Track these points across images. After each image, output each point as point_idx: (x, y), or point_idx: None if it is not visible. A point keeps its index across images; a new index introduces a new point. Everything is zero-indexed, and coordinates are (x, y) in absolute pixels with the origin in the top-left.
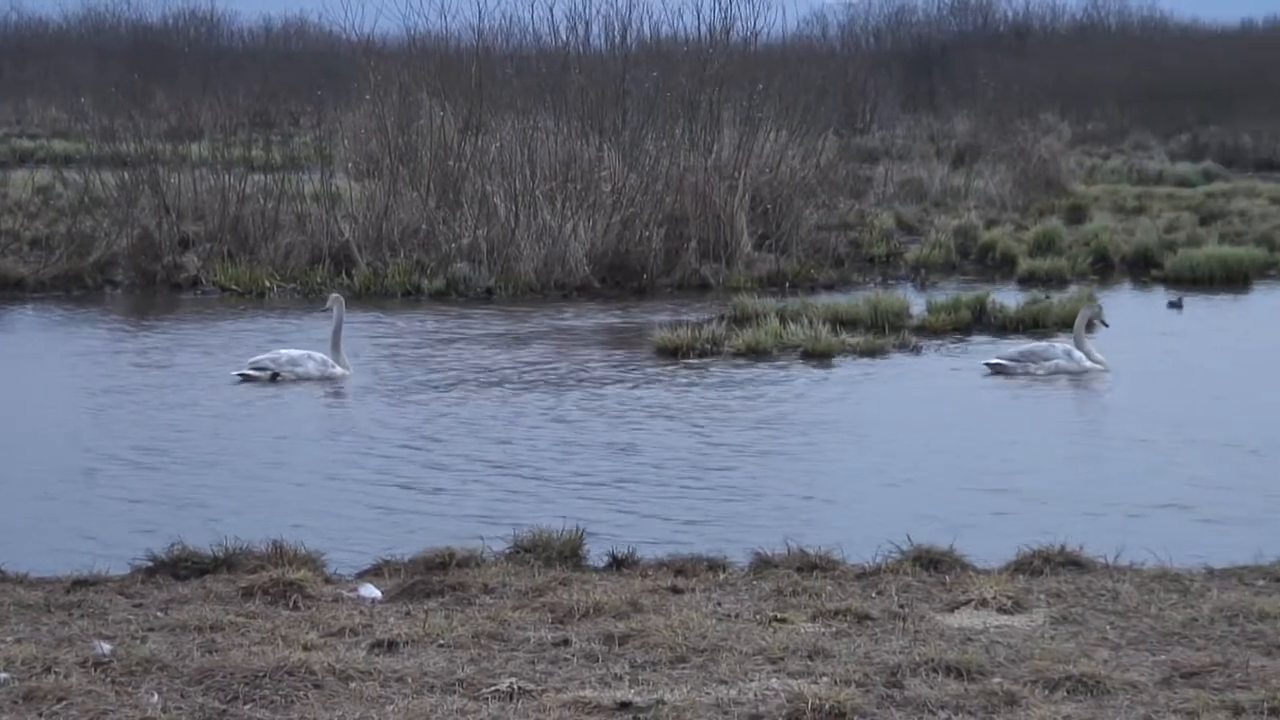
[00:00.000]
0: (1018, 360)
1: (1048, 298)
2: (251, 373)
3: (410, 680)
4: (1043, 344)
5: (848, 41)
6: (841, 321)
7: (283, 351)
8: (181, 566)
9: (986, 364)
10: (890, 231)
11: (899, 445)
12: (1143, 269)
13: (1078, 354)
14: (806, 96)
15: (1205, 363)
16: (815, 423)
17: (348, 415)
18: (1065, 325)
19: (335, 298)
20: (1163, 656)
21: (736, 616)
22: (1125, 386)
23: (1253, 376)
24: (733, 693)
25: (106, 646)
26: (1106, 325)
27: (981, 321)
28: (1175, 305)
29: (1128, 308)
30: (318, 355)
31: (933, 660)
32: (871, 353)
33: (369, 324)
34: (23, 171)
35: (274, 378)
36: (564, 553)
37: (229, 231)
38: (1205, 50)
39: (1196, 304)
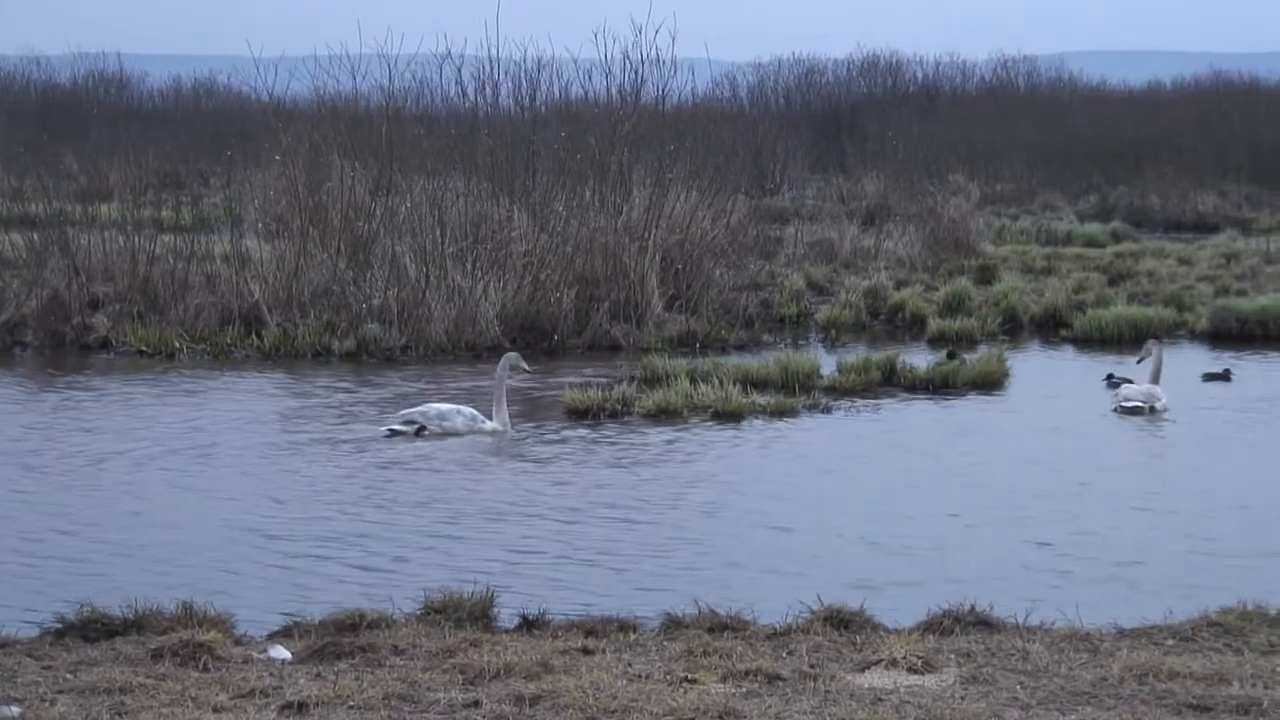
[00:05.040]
0: (1143, 401)
1: (963, 361)
2: (399, 427)
3: None
4: (1151, 386)
5: (757, 102)
6: (752, 382)
7: (432, 406)
8: (91, 628)
9: (1118, 408)
10: (800, 292)
11: (808, 505)
12: (1052, 329)
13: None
14: (716, 157)
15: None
16: (725, 483)
17: (255, 475)
18: (976, 385)
19: (507, 355)
20: (1073, 716)
21: (647, 677)
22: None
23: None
24: None
25: (15, 709)
26: (1138, 364)
27: (891, 382)
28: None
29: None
30: (467, 410)
31: None
32: (782, 413)
33: (279, 384)
34: None
35: (420, 432)
36: (474, 614)
37: (138, 292)
38: (1113, 112)
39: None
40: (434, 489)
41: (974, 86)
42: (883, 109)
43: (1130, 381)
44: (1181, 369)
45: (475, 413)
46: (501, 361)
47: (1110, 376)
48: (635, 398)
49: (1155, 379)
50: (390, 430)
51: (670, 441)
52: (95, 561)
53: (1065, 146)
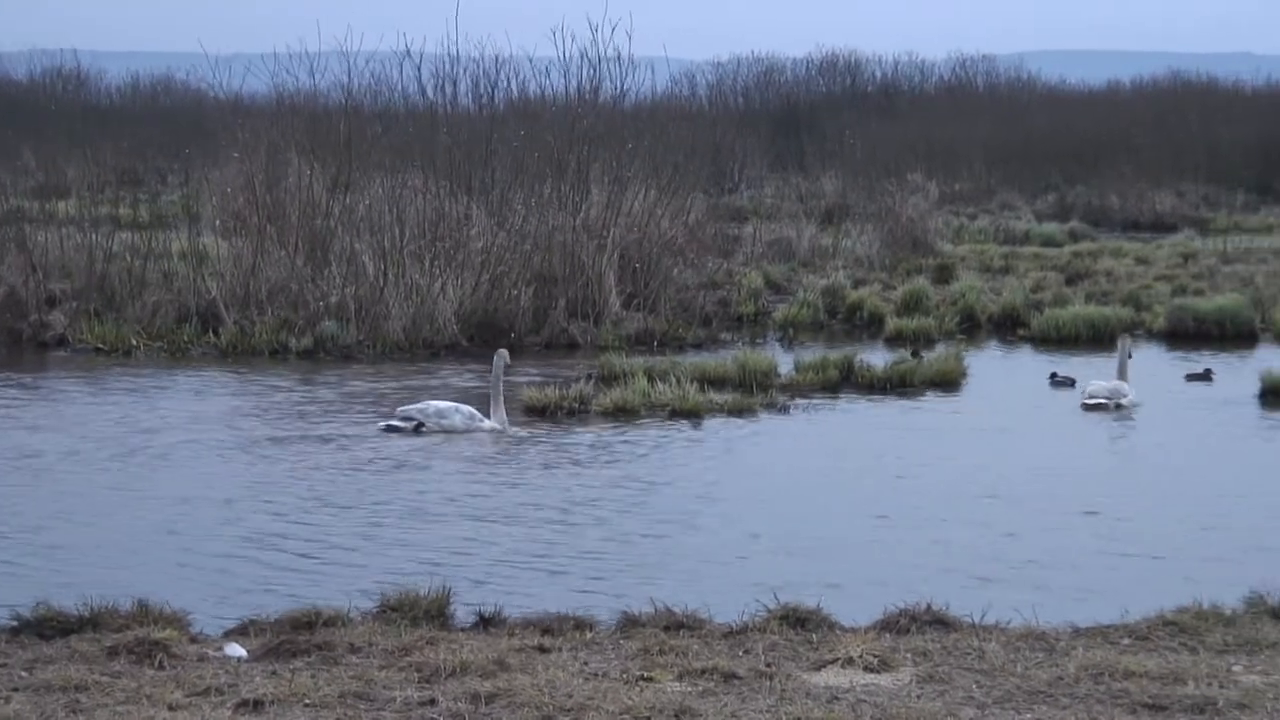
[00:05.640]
0: (1107, 397)
1: (919, 357)
2: (398, 424)
3: None
4: (1118, 381)
5: (716, 101)
6: (709, 380)
7: (431, 403)
8: (46, 626)
9: (1083, 404)
10: (758, 291)
11: (765, 504)
12: (1009, 328)
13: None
14: (675, 156)
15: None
16: (681, 481)
17: (211, 473)
18: (933, 385)
19: (499, 353)
20: (1028, 715)
21: (603, 675)
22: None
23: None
24: None
25: None
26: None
27: (849, 381)
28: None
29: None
30: (465, 408)
31: (799, 719)
32: (739, 412)
33: (235, 381)
34: None
35: (418, 429)
36: (430, 612)
37: (96, 289)
38: (1071, 111)
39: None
40: (391, 487)
41: (933, 86)
42: (841, 108)
43: (1074, 380)
44: (1141, 367)
45: (474, 411)
46: (495, 360)
47: (1054, 375)
48: (593, 396)
49: (1121, 374)
50: (387, 426)
51: (627, 440)
52: (50, 559)
53: (1024, 146)
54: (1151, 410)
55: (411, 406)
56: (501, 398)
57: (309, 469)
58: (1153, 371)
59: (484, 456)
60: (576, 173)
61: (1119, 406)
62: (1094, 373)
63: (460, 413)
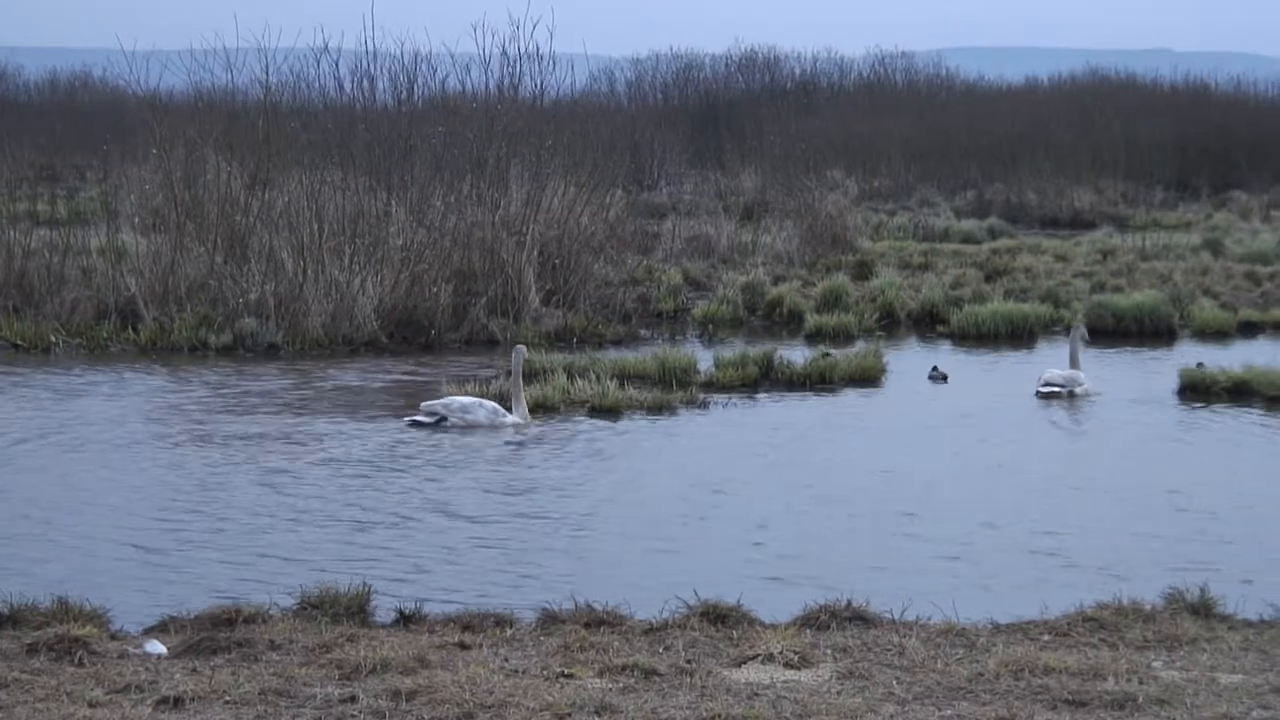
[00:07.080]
0: (1062, 385)
1: (828, 355)
2: (422, 418)
3: None
4: (1072, 370)
5: (635, 97)
6: (629, 377)
7: (455, 399)
8: None
9: (1038, 392)
10: (678, 287)
11: (683, 501)
12: (928, 325)
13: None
14: (594, 152)
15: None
16: (602, 478)
17: (129, 470)
18: (853, 381)
19: (518, 348)
20: (949, 711)
21: (524, 672)
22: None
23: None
24: None
25: None
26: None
27: (769, 377)
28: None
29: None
30: (489, 404)
31: (719, 715)
32: (659, 408)
33: (152, 378)
34: None
35: (441, 423)
36: (351, 609)
37: (14, 286)
38: (990, 108)
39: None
40: (312, 486)
41: (851, 83)
42: (760, 105)
43: (946, 377)
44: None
45: (497, 406)
46: (514, 355)
47: (935, 369)
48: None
49: (1074, 363)
50: (411, 421)
51: (547, 437)
52: None
53: (942, 143)
54: (1071, 406)
55: (436, 402)
56: (522, 393)
57: (226, 468)
58: (1108, 364)
59: (406, 453)
60: (496, 169)
61: (1073, 394)
62: (980, 368)
63: (484, 408)
